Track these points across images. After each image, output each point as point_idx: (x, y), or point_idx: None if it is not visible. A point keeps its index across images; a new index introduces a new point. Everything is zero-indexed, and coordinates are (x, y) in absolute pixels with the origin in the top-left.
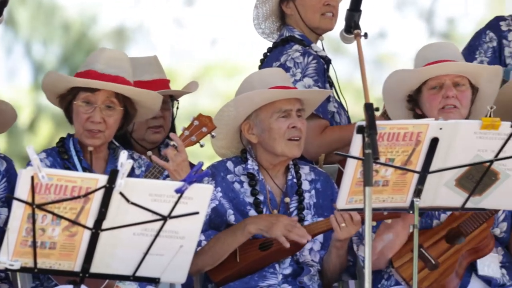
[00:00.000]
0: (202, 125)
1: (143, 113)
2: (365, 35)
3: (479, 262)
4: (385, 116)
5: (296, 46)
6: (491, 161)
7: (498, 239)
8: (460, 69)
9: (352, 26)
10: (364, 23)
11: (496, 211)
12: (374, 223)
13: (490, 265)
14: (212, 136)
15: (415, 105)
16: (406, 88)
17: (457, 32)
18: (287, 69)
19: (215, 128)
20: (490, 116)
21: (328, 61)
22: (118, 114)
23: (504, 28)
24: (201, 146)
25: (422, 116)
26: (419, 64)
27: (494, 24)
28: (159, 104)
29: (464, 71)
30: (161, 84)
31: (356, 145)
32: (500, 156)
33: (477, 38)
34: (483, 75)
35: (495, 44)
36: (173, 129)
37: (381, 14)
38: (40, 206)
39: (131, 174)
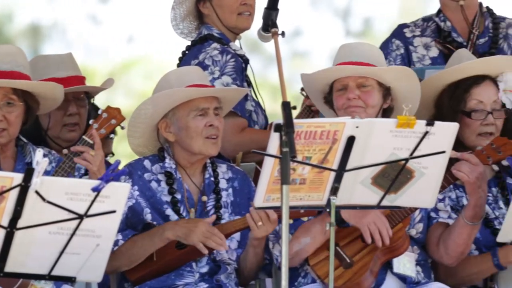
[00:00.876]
0: (111, 117)
1: (47, 105)
2: (283, 33)
3: (395, 260)
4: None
5: (215, 44)
6: (407, 160)
7: (414, 239)
8: (357, 71)
9: (269, 25)
10: (280, 21)
11: (412, 210)
12: (291, 221)
13: (405, 263)
14: (122, 128)
15: (331, 106)
16: (319, 90)
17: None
18: (205, 67)
19: (124, 120)
20: (406, 114)
21: (246, 60)
22: (19, 109)
23: (408, 34)
24: (122, 128)
25: None
26: (333, 65)
27: (399, 32)
28: (61, 94)
29: (363, 73)
30: (76, 80)
31: (274, 144)
32: (415, 154)
33: (384, 48)
34: (390, 75)
35: (402, 51)
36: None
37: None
38: None
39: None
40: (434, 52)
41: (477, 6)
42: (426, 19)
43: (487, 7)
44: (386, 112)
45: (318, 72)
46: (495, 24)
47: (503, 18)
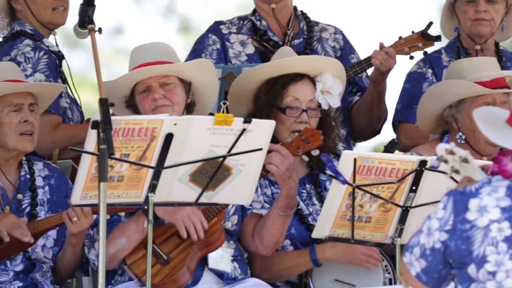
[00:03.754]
0: None
1: None
2: (99, 30)
3: (210, 256)
4: None
5: (27, 41)
6: (224, 157)
7: (229, 232)
8: (161, 70)
9: (86, 21)
10: (101, 17)
11: (227, 204)
12: (108, 216)
13: (221, 259)
14: None
15: (135, 110)
16: (122, 95)
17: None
18: (17, 64)
19: None
20: (223, 111)
21: (60, 57)
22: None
23: (225, 31)
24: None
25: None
26: (130, 67)
27: (215, 28)
28: None
29: (166, 71)
30: None
31: (91, 141)
32: (233, 151)
33: (201, 43)
34: (191, 69)
35: (219, 46)
36: None
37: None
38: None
39: None
40: (251, 49)
41: (291, 9)
42: (242, 18)
43: (302, 11)
44: (190, 107)
45: (121, 78)
46: (310, 27)
47: (317, 23)
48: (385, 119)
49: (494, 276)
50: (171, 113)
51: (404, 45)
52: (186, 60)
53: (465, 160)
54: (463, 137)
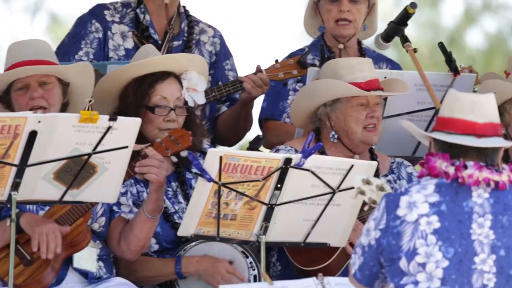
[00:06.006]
0: None
1: None
2: None
3: (75, 255)
4: None
5: None
6: (89, 154)
7: (96, 233)
8: (40, 70)
9: None
10: None
11: (93, 205)
12: None
13: (86, 258)
14: None
15: (8, 106)
16: None
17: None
18: None
19: None
20: (88, 109)
21: None
22: None
23: (108, 18)
24: None
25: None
26: (7, 64)
27: (99, 13)
28: None
29: (45, 71)
30: None
31: None
32: (98, 149)
33: (82, 26)
34: (71, 72)
35: (101, 35)
36: None
37: None
38: None
39: None
40: (130, 43)
41: (177, 5)
42: (126, 5)
43: (184, 7)
44: (64, 107)
45: (1, 75)
46: (190, 28)
47: (197, 22)
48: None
49: (424, 268)
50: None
51: (280, 70)
52: (63, 42)
53: (381, 189)
54: (336, 136)
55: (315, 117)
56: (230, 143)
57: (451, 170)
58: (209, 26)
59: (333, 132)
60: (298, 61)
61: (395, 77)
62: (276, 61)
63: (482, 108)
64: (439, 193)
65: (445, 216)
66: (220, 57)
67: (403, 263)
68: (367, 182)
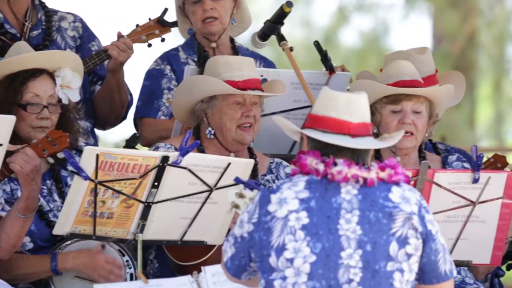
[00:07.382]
0: None
1: None
2: None
3: None
4: None
5: None
6: None
7: None
8: None
9: None
10: None
11: None
12: None
13: None
14: None
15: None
16: None
17: None
18: None
19: None
20: None
21: None
22: None
23: None
24: None
25: None
26: None
27: None
28: None
29: None
30: None
31: None
32: None
33: None
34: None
35: None
36: None
37: None
38: None
39: None
40: None
41: (29, 0)
42: None
43: (39, 0)
44: None
45: None
46: (48, 17)
47: (55, 11)
48: (130, 104)
49: (292, 263)
50: None
51: (142, 33)
52: None
53: None
54: (212, 132)
55: (194, 114)
56: (111, 122)
57: (321, 167)
58: (68, 13)
59: (209, 128)
60: (158, 20)
61: (271, 75)
62: (137, 25)
63: (357, 107)
64: (309, 190)
65: (314, 212)
66: (85, 39)
67: (272, 259)
68: (241, 195)
